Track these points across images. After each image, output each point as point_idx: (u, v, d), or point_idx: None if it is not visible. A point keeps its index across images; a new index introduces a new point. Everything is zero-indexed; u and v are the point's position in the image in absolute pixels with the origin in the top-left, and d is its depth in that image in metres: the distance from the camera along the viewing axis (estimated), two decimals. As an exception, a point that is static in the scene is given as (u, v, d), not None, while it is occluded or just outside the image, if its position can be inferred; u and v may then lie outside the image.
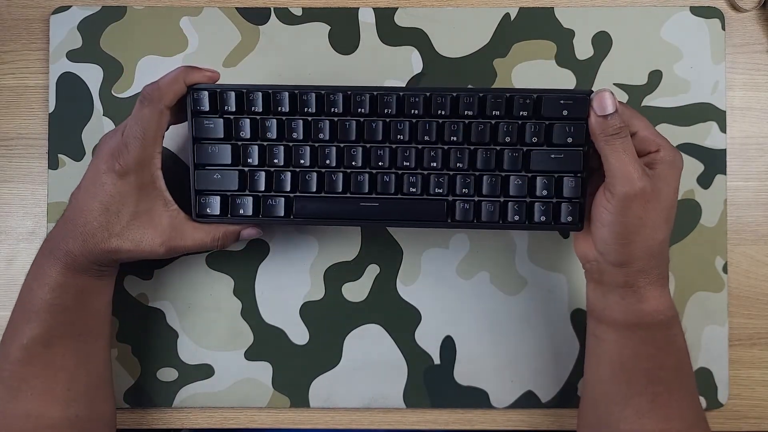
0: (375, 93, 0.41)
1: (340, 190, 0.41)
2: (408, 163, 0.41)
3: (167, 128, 0.41)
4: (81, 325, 0.41)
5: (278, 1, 0.51)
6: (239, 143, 0.41)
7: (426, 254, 0.49)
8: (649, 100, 0.49)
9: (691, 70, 0.49)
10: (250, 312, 0.49)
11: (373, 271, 0.49)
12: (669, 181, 0.38)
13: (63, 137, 0.49)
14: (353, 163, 0.41)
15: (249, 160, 0.41)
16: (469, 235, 0.49)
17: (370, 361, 0.49)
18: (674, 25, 0.49)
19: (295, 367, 0.49)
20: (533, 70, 0.49)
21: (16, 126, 0.50)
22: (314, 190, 0.41)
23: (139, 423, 0.49)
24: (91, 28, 0.50)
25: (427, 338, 0.49)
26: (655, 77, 0.49)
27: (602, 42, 0.50)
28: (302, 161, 0.41)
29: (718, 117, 0.49)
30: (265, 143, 0.41)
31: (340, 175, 0.41)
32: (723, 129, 0.49)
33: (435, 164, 0.41)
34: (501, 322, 0.49)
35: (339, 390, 0.49)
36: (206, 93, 0.41)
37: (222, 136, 0.41)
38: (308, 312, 0.49)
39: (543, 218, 0.41)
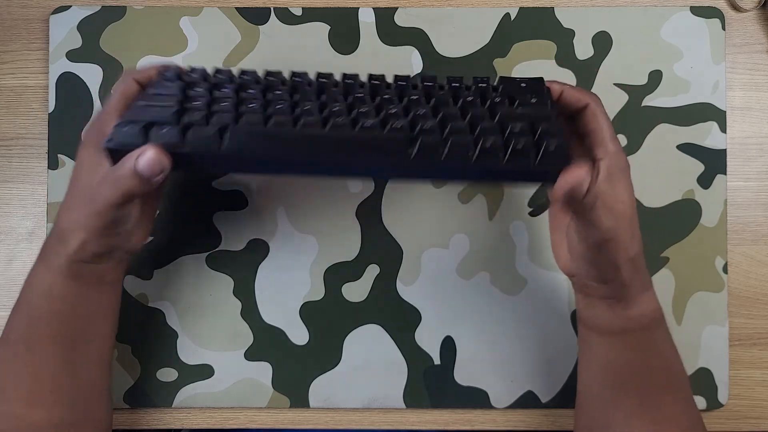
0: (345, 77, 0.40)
1: (289, 121, 0.36)
2: (364, 107, 0.36)
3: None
4: (67, 331, 0.39)
5: (278, 1, 0.51)
6: (190, 92, 0.38)
7: (426, 254, 0.49)
8: (649, 100, 0.49)
9: (691, 70, 0.49)
10: (250, 312, 0.49)
11: (373, 271, 0.49)
12: (621, 191, 0.36)
13: (63, 137, 0.49)
14: (306, 107, 0.36)
15: (193, 103, 0.37)
16: (469, 234, 0.49)
17: (370, 361, 0.49)
18: (674, 25, 0.49)
19: (295, 367, 0.49)
20: (533, 70, 0.49)
21: (15, 126, 0.50)
22: (258, 121, 0.35)
23: (138, 423, 0.49)
24: (91, 28, 0.50)
25: (427, 338, 0.49)
26: (655, 77, 0.49)
27: (602, 42, 0.50)
28: (249, 99, 0.37)
29: (718, 117, 0.49)
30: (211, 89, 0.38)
31: (290, 117, 0.35)
32: (723, 129, 0.49)
33: (393, 109, 0.36)
34: (501, 322, 0.49)
35: (339, 390, 0.49)
36: (176, 67, 0.40)
37: (175, 91, 0.37)
38: (308, 312, 0.49)
39: (520, 146, 0.34)
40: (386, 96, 0.38)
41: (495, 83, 0.40)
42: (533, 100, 0.37)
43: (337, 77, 0.40)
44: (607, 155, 0.36)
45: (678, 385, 0.39)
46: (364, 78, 0.40)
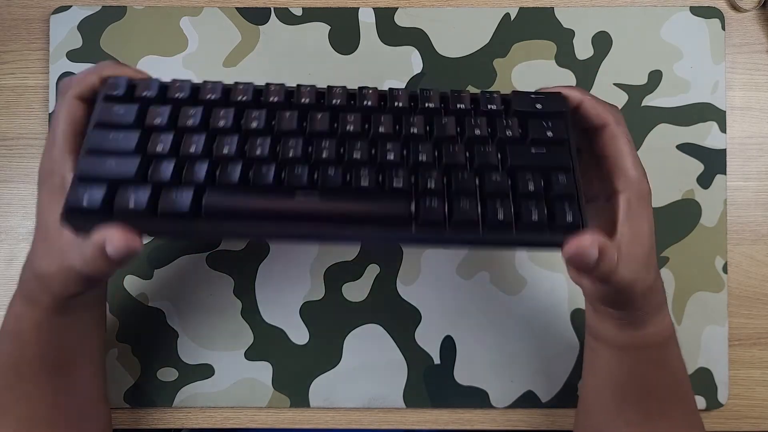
0: (321, 89, 0.34)
1: (270, 181, 0.31)
2: (358, 156, 0.32)
3: (84, 128, 0.33)
4: (58, 356, 0.38)
5: (278, 1, 0.51)
6: (151, 129, 0.32)
7: (426, 254, 0.49)
8: (649, 100, 0.49)
9: (690, 70, 0.49)
10: (250, 312, 0.49)
11: (373, 270, 0.49)
12: (642, 227, 0.33)
13: (63, 137, 0.49)
14: (290, 154, 0.32)
15: (158, 148, 0.31)
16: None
17: (370, 361, 0.49)
18: (674, 25, 0.49)
19: (295, 366, 0.49)
20: (533, 70, 0.49)
21: (16, 126, 0.50)
22: (236, 180, 0.31)
23: (138, 423, 0.49)
24: (92, 27, 0.50)
25: (427, 338, 0.49)
26: (655, 77, 0.49)
27: (602, 42, 0.50)
28: (225, 150, 0.31)
29: (718, 117, 0.49)
30: (182, 131, 0.32)
31: (272, 166, 0.31)
32: (723, 129, 0.49)
33: (392, 157, 0.32)
34: (501, 321, 0.49)
35: (339, 390, 0.49)
36: (124, 80, 0.33)
37: (131, 122, 0.31)
38: (308, 312, 0.49)
39: (535, 217, 0.31)
40: (381, 130, 0.33)
41: (503, 97, 0.35)
42: (549, 133, 0.33)
43: (324, 90, 0.35)
44: (627, 187, 0.33)
45: (685, 400, 0.39)
46: (354, 86, 0.35)
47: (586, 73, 0.49)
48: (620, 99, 0.49)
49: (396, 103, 0.34)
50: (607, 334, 0.38)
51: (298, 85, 0.34)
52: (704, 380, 0.48)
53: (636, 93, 0.49)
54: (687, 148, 0.49)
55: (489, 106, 0.34)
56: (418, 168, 0.32)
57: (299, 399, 0.49)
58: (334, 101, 0.33)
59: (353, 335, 0.49)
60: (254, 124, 0.32)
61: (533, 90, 0.36)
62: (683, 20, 0.50)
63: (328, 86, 0.34)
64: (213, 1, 0.51)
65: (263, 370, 0.49)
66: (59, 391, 0.38)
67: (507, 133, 0.33)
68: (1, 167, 0.50)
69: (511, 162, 0.32)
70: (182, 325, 0.49)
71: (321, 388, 0.49)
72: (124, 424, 0.49)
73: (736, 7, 0.50)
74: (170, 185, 0.30)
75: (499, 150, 0.33)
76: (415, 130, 0.33)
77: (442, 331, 0.49)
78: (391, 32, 0.50)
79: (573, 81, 0.49)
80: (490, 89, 0.36)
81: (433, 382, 0.49)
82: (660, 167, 0.49)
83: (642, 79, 0.49)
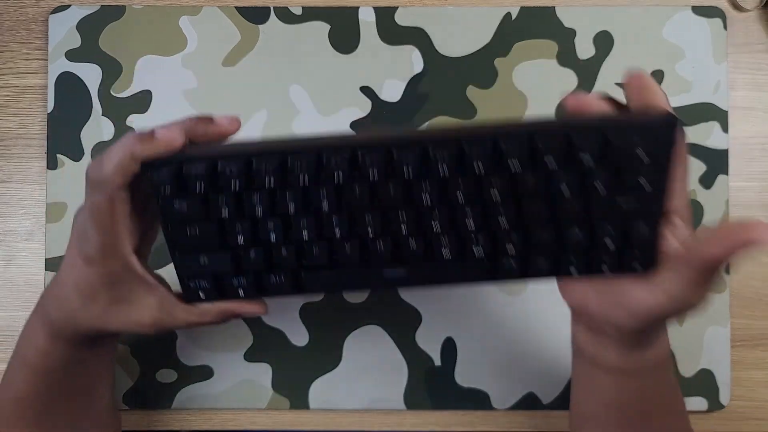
0: (387, 149, 0.30)
1: (357, 260, 0.32)
2: (438, 229, 0.32)
3: (134, 203, 0.33)
4: (70, 391, 0.38)
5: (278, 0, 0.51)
6: (222, 221, 0.32)
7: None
8: (651, 100, 0.49)
9: (692, 70, 0.49)
10: (250, 313, 0.49)
11: (373, 271, 0.49)
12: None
13: (62, 137, 0.49)
14: (370, 233, 0.32)
15: (240, 240, 0.32)
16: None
17: (370, 362, 0.48)
18: (676, 24, 0.49)
19: (295, 368, 0.48)
20: (535, 70, 0.49)
21: (14, 126, 0.50)
22: (324, 262, 0.32)
23: (138, 425, 0.49)
24: (90, 27, 0.50)
25: (428, 339, 0.48)
26: (657, 77, 0.49)
27: (604, 41, 0.49)
28: (305, 236, 0.32)
29: (720, 117, 0.49)
30: (252, 220, 0.32)
31: (356, 244, 0.32)
32: (725, 129, 0.49)
33: (471, 226, 0.31)
34: (502, 323, 0.49)
35: (339, 391, 0.48)
36: (167, 171, 0.31)
37: (200, 216, 0.32)
38: (308, 313, 0.49)
39: (605, 266, 0.32)
40: (460, 199, 0.31)
41: (600, 136, 0.30)
42: (643, 180, 0.30)
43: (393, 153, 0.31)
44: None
45: (682, 419, 0.38)
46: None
47: (588, 72, 0.49)
48: (622, 99, 0.49)
49: (477, 163, 0.30)
50: (608, 360, 0.35)
51: (362, 153, 0.30)
52: (706, 381, 0.48)
53: (638, 93, 0.49)
54: (689, 148, 0.49)
55: (580, 154, 0.30)
56: (497, 233, 0.32)
57: (299, 401, 0.48)
58: (404, 167, 0.30)
59: (353, 336, 0.49)
60: (325, 206, 0.31)
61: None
62: (685, 20, 0.49)
63: (397, 149, 0.30)
64: (212, 0, 0.50)
65: (263, 372, 0.48)
66: (73, 419, 0.39)
67: (599, 191, 0.30)
68: (-1, 167, 0.50)
69: (595, 217, 0.31)
70: (181, 326, 0.49)
71: (321, 390, 0.48)
72: (123, 425, 0.49)
73: (738, 7, 0.50)
74: (267, 269, 0.33)
75: (584, 201, 0.31)
76: (497, 196, 0.31)
77: (443, 333, 0.49)
78: (391, 31, 0.50)
79: (574, 80, 0.49)
80: (551, 121, 0.31)
81: (433, 383, 0.48)
82: (662, 167, 0.49)
83: (644, 79, 0.49)
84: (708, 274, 0.28)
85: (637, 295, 0.31)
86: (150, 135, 0.31)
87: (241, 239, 0.32)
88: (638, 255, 0.31)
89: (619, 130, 0.29)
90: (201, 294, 0.34)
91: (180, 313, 0.35)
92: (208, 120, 0.32)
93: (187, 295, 0.34)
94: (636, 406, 0.36)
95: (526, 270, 0.33)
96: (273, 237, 0.32)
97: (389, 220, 0.32)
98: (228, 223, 0.32)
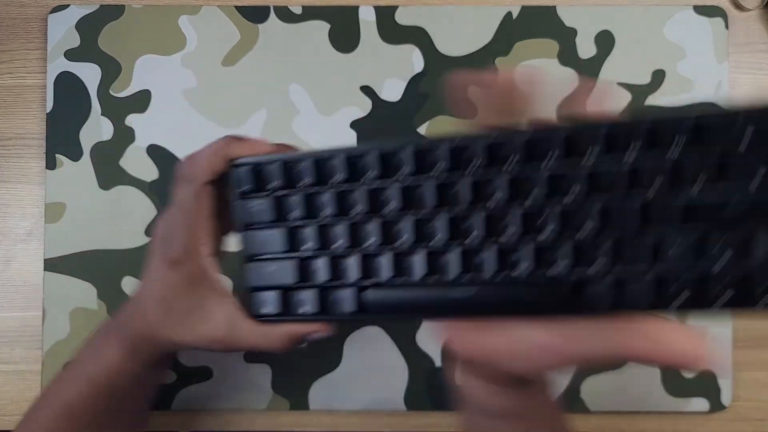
0: (454, 142, 0.28)
1: (423, 274, 0.29)
2: (512, 232, 0.27)
3: (215, 210, 0.34)
4: (125, 409, 0.39)
5: (278, -1, 0.50)
6: (292, 226, 0.32)
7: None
8: (652, 100, 0.49)
9: (694, 70, 0.49)
10: (250, 313, 0.48)
11: (373, 272, 0.49)
12: None
13: (61, 137, 0.49)
14: (437, 236, 0.28)
15: (305, 245, 0.31)
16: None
17: (370, 363, 0.48)
18: (677, 24, 0.49)
19: (295, 369, 0.48)
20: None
21: (13, 126, 0.50)
22: (389, 276, 0.30)
23: (137, 425, 0.49)
24: (90, 26, 0.49)
25: (429, 340, 0.48)
26: (658, 76, 0.49)
27: (605, 41, 0.49)
28: (370, 240, 0.30)
29: (722, 116, 0.49)
30: (322, 223, 0.31)
31: (423, 254, 0.29)
32: (727, 129, 0.49)
33: (552, 230, 0.26)
34: (503, 323, 0.48)
35: (339, 392, 0.48)
36: (248, 168, 0.32)
37: (271, 219, 0.32)
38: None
39: (730, 294, 0.23)
40: (532, 200, 0.26)
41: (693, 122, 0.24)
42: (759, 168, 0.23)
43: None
44: None
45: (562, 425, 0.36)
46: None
47: (589, 72, 0.49)
48: (623, 98, 0.49)
49: (551, 152, 0.26)
50: (503, 408, 0.31)
51: (419, 151, 0.29)
52: (708, 382, 0.48)
53: (639, 92, 0.49)
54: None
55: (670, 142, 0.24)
56: (581, 246, 0.26)
57: (299, 402, 0.48)
58: (472, 166, 0.28)
59: (353, 337, 0.48)
60: (392, 205, 0.29)
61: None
62: (686, 19, 0.49)
63: (464, 146, 0.28)
64: (211, 0, 0.50)
65: (262, 373, 0.48)
66: (133, 424, 0.41)
67: (699, 175, 0.24)
68: (-2, 167, 0.50)
69: (700, 214, 0.24)
70: (181, 326, 0.48)
71: (321, 391, 0.48)
72: (123, 426, 0.49)
73: (739, 6, 0.50)
74: (332, 282, 0.31)
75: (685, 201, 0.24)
76: (575, 189, 0.25)
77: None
78: (391, 30, 0.49)
79: (576, 80, 0.49)
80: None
81: (434, 384, 0.48)
82: (663, 167, 0.49)
83: (645, 79, 0.49)
84: (621, 360, 0.26)
85: (537, 343, 0.27)
86: (241, 138, 0.33)
87: (309, 245, 0.31)
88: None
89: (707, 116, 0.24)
90: (267, 308, 0.33)
91: (247, 332, 0.34)
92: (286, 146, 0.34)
93: (254, 308, 0.33)
94: None
95: (620, 294, 0.25)
96: (340, 246, 0.30)
97: (458, 225, 0.28)
98: (297, 227, 0.31)
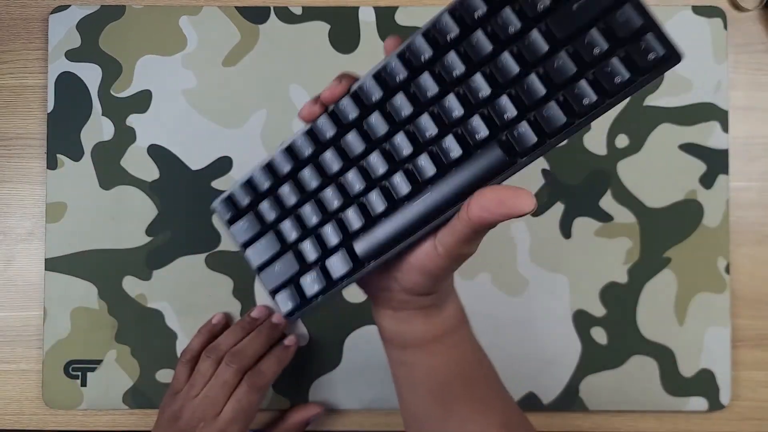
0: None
1: (382, 209, 0.32)
2: (428, 134, 0.30)
3: None
4: None
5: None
6: (275, 228, 0.35)
7: (427, 255, 0.49)
8: (651, 100, 0.49)
9: (693, 70, 0.49)
10: (250, 313, 0.49)
11: (373, 271, 0.49)
12: None
13: (62, 137, 0.49)
14: (380, 171, 0.32)
15: (291, 236, 0.34)
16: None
17: (370, 362, 0.48)
18: (676, 24, 0.49)
19: (295, 368, 0.48)
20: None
21: (14, 126, 0.50)
22: (360, 225, 0.32)
23: (138, 425, 0.49)
24: (90, 27, 0.50)
25: (428, 339, 0.48)
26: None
27: (604, 41, 0.49)
28: (334, 204, 0.33)
29: (721, 117, 0.49)
30: (295, 213, 0.34)
31: (379, 193, 0.32)
32: (725, 129, 0.49)
33: (458, 113, 0.30)
34: (502, 323, 0.48)
35: (339, 391, 0.48)
36: (224, 200, 0.36)
37: (259, 229, 0.35)
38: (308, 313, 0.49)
39: (624, 76, 0.26)
40: (428, 93, 0.30)
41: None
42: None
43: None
44: None
45: (493, 374, 0.38)
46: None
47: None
48: (622, 99, 0.49)
49: (419, 57, 0.30)
50: (416, 334, 0.35)
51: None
52: (706, 381, 0.48)
53: (638, 93, 0.49)
54: (689, 148, 0.49)
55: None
56: (486, 107, 0.29)
57: (299, 400, 0.48)
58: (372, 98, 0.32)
59: (353, 337, 0.48)
60: (332, 167, 0.33)
61: None
62: (685, 19, 0.49)
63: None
64: (212, 0, 0.50)
65: (263, 372, 0.48)
66: None
67: (538, 7, 0.27)
68: (-1, 167, 0.50)
69: (559, 36, 0.27)
70: (181, 326, 0.48)
71: (321, 390, 0.48)
72: (124, 425, 0.49)
73: (738, 7, 0.50)
74: (325, 255, 0.34)
75: (542, 32, 0.28)
76: (458, 72, 0.29)
77: (443, 332, 0.48)
78: (391, 31, 0.50)
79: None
80: None
81: (433, 383, 0.48)
82: (662, 167, 0.49)
83: (644, 79, 0.49)
84: (478, 233, 0.29)
85: (424, 251, 0.31)
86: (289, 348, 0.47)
87: (294, 235, 0.34)
88: (648, 43, 0.26)
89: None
90: (290, 303, 0.35)
91: None
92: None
93: (282, 310, 0.36)
94: (452, 372, 0.36)
95: (542, 130, 0.28)
96: (314, 219, 0.34)
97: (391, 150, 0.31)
98: (279, 225, 0.35)
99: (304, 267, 0.34)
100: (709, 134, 0.49)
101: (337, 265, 0.33)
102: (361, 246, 0.33)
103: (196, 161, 0.49)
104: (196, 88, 0.49)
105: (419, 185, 0.31)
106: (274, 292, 0.35)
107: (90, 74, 0.49)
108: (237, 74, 0.49)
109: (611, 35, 0.27)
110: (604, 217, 0.49)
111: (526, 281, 0.49)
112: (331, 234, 0.33)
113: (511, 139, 0.29)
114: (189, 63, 0.49)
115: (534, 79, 0.28)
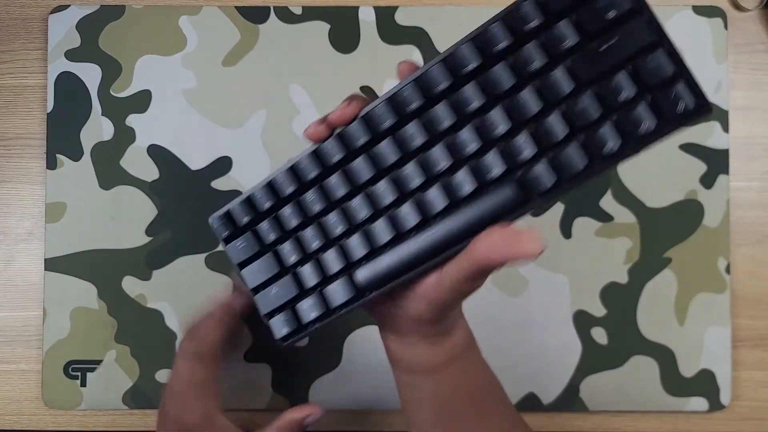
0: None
1: (388, 239, 0.31)
2: (440, 166, 0.30)
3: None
4: None
5: None
6: (273, 249, 0.34)
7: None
8: (651, 100, 0.49)
9: (693, 70, 0.49)
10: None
11: (373, 271, 0.49)
12: None
13: (61, 137, 0.49)
14: (385, 201, 0.31)
15: (290, 259, 0.34)
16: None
17: (370, 362, 0.48)
18: (676, 24, 0.49)
19: (295, 368, 0.48)
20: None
21: (14, 126, 0.50)
22: (364, 253, 0.32)
23: (137, 425, 0.49)
24: (90, 27, 0.49)
25: (428, 339, 0.48)
26: (658, 77, 0.49)
27: (604, 41, 0.49)
28: (337, 230, 0.32)
29: (721, 117, 0.49)
30: (295, 235, 0.34)
31: (386, 222, 0.31)
32: (726, 129, 0.49)
33: (473, 146, 0.29)
34: (502, 323, 0.48)
35: (339, 391, 0.48)
36: (221, 217, 0.36)
37: (258, 250, 0.35)
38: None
39: (650, 125, 0.26)
40: (443, 124, 0.29)
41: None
42: (611, 13, 0.26)
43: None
44: None
45: (501, 394, 0.38)
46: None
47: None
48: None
49: (435, 88, 0.29)
50: (423, 359, 0.35)
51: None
52: (707, 382, 0.48)
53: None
54: (689, 148, 0.49)
55: (524, 27, 0.28)
56: (503, 144, 0.28)
57: (299, 401, 0.48)
58: (383, 125, 0.31)
59: (353, 337, 0.48)
60: (339, 192, 0.32)
61: None
62: (685, 19, 0.49)
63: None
64: (212, 0, 0.50)
65: (263, 372, 0.48)
66: None
67: (562, 45, 0.27)
68: (-2, 167, 0.50)
69: (584, 77, 0.26)
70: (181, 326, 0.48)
71: (321, 390, 0.48)
72: (123, 426, 0.49)
73: (738, 7, 0.50)
74: (325, 280, 0.33)
75: (566, 70, 0.27)
76: (475, 104, 0.28)
77: (443, 333, 0.48)
78: (391, 31, 0.50)
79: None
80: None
81: (433, 383, 0.48)
82: (662, 167, 0.49)
83: (644, 79, 0.49)
84: (484, 272, 0.29)
85: (431, 282, 0.31)
86: (228, 304, 0.42)
87: (294, 258, 0.33)
88: (679, 93, 0.25)
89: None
90: (285, 328, 0.34)
91: None
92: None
93: (277, 335, 0.35)
94: (460, 395, 0.36)
95: (559, 173, 0.27)
96: (315, 244, 0.33)
97: (400, 180, 0.31)
98: (278, 247, 0.34)
99: (303, 292, 0.33)
100: (709, 134, 0.49)
101: (338, 292, 0.32)
102: (363, 274, 0.32)
103: (196, 161, 0.49)
104: (196, 88, 0.49)
105: (427, 218, 0.30)
106: (269, 316, 0.34)
107: (90, 74, 0.49)
108: (237, 74, 0.49)
109: (638, 80, 0.26)
110: (605, 217, 0.49)
111: (526, 281, 0.49)
112: (332, 260, 0.32)
113: (526, 179, 0.28)
114: (189, 63, 0.49)
115: (555, 120, 0.27)
